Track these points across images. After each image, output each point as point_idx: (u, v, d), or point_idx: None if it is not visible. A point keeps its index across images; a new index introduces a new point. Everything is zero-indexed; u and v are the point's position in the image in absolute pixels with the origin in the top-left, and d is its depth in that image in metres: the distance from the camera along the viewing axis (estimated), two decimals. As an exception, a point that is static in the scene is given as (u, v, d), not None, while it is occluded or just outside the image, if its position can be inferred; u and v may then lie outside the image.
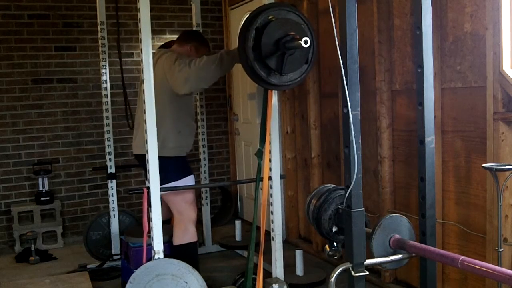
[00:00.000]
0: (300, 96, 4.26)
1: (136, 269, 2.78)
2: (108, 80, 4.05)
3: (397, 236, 2.21)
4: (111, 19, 4.04)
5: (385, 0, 3.25)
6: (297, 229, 4.50)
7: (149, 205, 2.74)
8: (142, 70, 2.68)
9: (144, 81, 2.67)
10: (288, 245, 4.31)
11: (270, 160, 2.95)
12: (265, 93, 2.85)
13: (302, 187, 4.35)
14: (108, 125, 4.03)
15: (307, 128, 4.17)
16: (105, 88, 4.04)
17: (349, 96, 2.02)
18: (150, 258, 2.79)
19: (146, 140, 2.71)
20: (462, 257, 1.87)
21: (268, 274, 3.13)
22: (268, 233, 2.96)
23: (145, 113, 2.69)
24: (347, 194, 2.06)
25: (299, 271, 3.35)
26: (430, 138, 2.27)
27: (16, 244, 4.56)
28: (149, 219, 2.76)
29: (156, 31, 4.98)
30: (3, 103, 4.64)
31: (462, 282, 2.88)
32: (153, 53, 3.12)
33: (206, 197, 4.40)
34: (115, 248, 4.04)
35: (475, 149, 2.73)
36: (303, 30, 2.62)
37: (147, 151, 2.72)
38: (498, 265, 2.28)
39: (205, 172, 4.38)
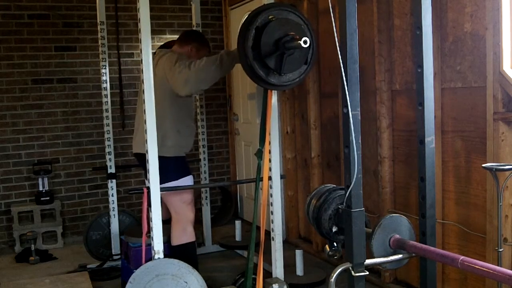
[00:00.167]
0: (300, 96, 4.26)
1: (136, 269, 2.78)
2: (108, 80, 4.05)
3: (397, 236, 2.21)
4: (111, 19, 4.05)
5: (385, 0, 3.25)
6: (297, 229, 4.50)
7: (149, 205, 2.74)
8: (142, 70, 2.68)
9: (144, 81, 2.68)
10: (288, 245, 4.31)
11: (270, 160, 2.95)
12: (265, 93, 2.85)
13: (302, 187, 4.34)
14: (108, 125, 4.03)
15: (307, 128, 4.17)
16: (105, 88, 4.04)
17: (349, 96, 2.02)
18: (150, 258, 2.79)
19: (146, 140, 2.71)
20: (462, 257, 1.87)
21: (268, 274, 3.13)
22: (268, 233, 2.96)
23: (145, 113, 2.70)
24: (347, 194, 2.06)
25: (299, 271, 3.35)
26: (430, 138, 2.27)
27: (16, 244, 4.56)
28: (149, 219, 2.76)
29: (156, 31, 4.98)
30: (3, 103, 4.64)
31: (462, 282, 2.88)
32: (153, 53, 3.13)
33: (206, 197, 4.40)
34: (115, 248, 4.04)
35: (475, 149, 2.73)
36: (303, 30, 2.62)
37: (147, 151, 2.72)
38: (498, 265, 2.28)
39: (205, 172, 4.38)
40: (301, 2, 4.04)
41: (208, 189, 4.46)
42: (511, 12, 2.51)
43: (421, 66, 2.25)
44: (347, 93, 2.02)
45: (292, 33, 2.54)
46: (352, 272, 2.04)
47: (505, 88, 2.50)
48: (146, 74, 2.68)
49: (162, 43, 4.22)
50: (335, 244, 2.41)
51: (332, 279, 2.00)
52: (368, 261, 2.09)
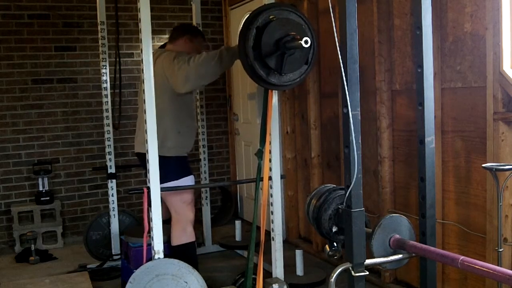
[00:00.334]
0: (300, 96, 4.26)
1: (136, 269, 2.78)
2: (108, 80, 4.05)
3: (397, 236, 2.21)
4: (111, 19, 4.04)
5: (385, 0, 3.25)
6: (297, 229, 4.50)
7: (149, 205, 2.74)
8: (142, 70, 2.69)
9: (144, 81, 2.68)
10: (288, 245, 4.31)
11: (270, 160, 2.95)
12: (265, 93, 2.85)
13: (302, 187, 4.35)
14: (108, 125, 4.03)
15: (307, 128, 4.17)
16: (105, 88, 4.04)
17: (349, 96, 2.02)
18: (150, 258, 2.79)
19: (146, 140, 2.71)
20: (462, 257, 1.87)
21: (268, 274, 3.13)
22: (268, 233, 2.96)
23: (145, 113, 2.70)
24: (347, 194, 2.06)
25: (299, 271, 3.35)
26: (430, 138, 2.27)
27: (16, 244, 4.56)
28: (149, 219, 2.76)
29: (156, 31, 4.97)
30: (3, 103, 4.64)
31: (462, 282, 2.88)
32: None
33: (206, 197, 4.40)
34: (115, 248, 4.04)
35: (475, 149, 2.73)
36: (304, 30, 2.62)
37: (147, 151, 2.72)
38: (498, 265, 2.28)
39: (205, 172, 4.38)
40: (301, 2, 4.04)
41: (208, 189, 4.46)
42: (511, 12, 2.51)
43: (421, 66, 2.25)
44: (347, 93, 2.02)
45: (293, 33, 2.54)
46: (352, 272, 2.04)
47: (505, 88, 2.51)
48: (147, 74, 2.68)
49: (162, 43, 4.21)
50: (335, 244, 2.41)
51: (332, 279, 2.00)
52: (368, 261, 2.09)
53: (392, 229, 2.22)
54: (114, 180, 4.09)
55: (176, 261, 2.73)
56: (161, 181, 2.81)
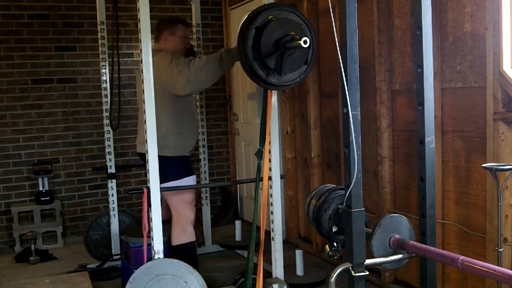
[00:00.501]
0: (300, 96, 4.26)
1: (136, 269, 2.78)
2: (108, 80, 4.04)
3: (397, 236, 2.21)
4: (111, 19, 4.04)
5: (385, 0, 3.25)
6: (297, 229, 4.50)
7: (149, 205, 2.74)
8: (142, 70, 2.68)
9: (144, 81, 2.68)
10: (288, 245, 4.31)
11: (270, 160, 2.95)
12: (265, 93, 2.85)
13: (302, 187, 4.34)
14: (108, 125, 4.03)
15: (307, 128, 4.17)
16: (105, 88, 4.04)
17: (349, 96, 2.02)
18: (150, 258, 2.79)
19: (146, 140, 2.71)
20: (462, 257, 1.87)
21: (268, 274, 3.13)
22: (268, 233, 2.96)
23: (144, 113, 2.70)
24: (347, 194, 2.06)
25: (299, 271, 3.35)
26: (430, 138, 2.27)
27: (16, 244, 4.56)
28: (149, 219, 2.76)
29: (156, 31, 4.97)
30: (3, 103, 4.64)
31: (462, 282, 2.88)
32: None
33: (206, 197, 4.40)
34: (115, 248, 4.04)
35: (475, 149, 2.73)
36: (303, 30, 2.62)
37: (146, 151, 2.72)
38: (498, 265, 2.28)
39: (205, 172, 4.38)
40: (301, 2, 4.04)
41: (208, 189, 4.46)
42: (511, 12, 2.51)
43: (421, 66, 2.25)
44: (347, 93, 2.02)
45: (292, 33, 2.54)
46: (352, 272, 2.04)
47: (505, 88, 2.50)
48: (146, 74, 2.68)
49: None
50: (335, 244, 2.41)
51: (332, 279, 2.00)
52: (368, 261, 2.09)
53: (392, 229, 2.22)
54: (114, 180, 4.09)
55: (176, 261, 2.73)
56: (162, 181, 2.81)
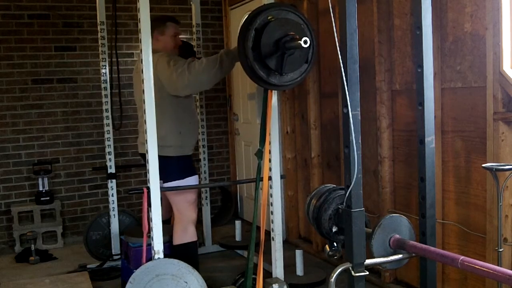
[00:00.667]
0: (300, 96, 4.26)
1: (136, 269, 2.78)
2: (108, 80, 4.04)
3: (397, 236, 2.21)
4: (111, 19, 4.04)
5: (385, 0, 3.25)
6: (297, 229, 4.50)
7: (149, 205, 2.74)
8: (142, 70, 2.68)
9: (144, 81, 2.67)
10: (288, 245, 4.31)
11: (270, 160, 2.95)
12: (265, 93, 2.84)
13: (302, 187, 4.34)
14: (108, 125, 4.03)
15: (307, 128, 4.17)
16: (105, 88, 4.04)
17: (349, 96, 2.02)
18: (150, 258, 2.79)
19: (146, 140, 2.71)
20: (462, 257, 1.87)
21: (268, 274, 3.13)
22: (268, 233, 2.96)
23: (144, 113, 2.70)
24: (347, 194, 2.06)
25: (299, 271, 3.35)
26: (430, 138, 2.27)
27: (16, 244, 4.56)
28: (149, 219, 2.76)
29: (156, 31, 4.97)
30: (3, 103, 4.64)
31: (462, 282, 2.88)
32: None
33: (206, 197, 4.40)
34: (115, 248, 4.04)
35: (475, 149, 2.73)
36: (303, 30, 2.62)
37: (146, 151, 2.72)
38: (498, 265, 2.28)
39: (205, 172, 4.38)
40: (301, 2, 4.04)
41: (208, 189, 4.46)
42: (511, 12, 2.51)
43: (421, 66, 2.25)
44: (347, 93, 2.02)
45: (292, 33, 2.54)
46: (352, 272, 2.04)
47: (505, 88, 2.50)
48: (146, 74, 2.68)
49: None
50: (335, 244, 2.41)
51: (332, 279, 2.00)
52: (368, 261, 2.09)
53: (392, 229, 2.22)
54: (114, 180, 4.09)
55: (176, 261, 2.73)
56: (165, 181, 2.80)
